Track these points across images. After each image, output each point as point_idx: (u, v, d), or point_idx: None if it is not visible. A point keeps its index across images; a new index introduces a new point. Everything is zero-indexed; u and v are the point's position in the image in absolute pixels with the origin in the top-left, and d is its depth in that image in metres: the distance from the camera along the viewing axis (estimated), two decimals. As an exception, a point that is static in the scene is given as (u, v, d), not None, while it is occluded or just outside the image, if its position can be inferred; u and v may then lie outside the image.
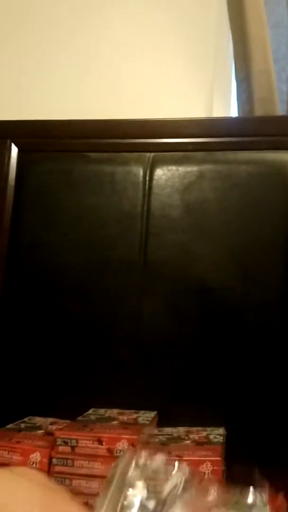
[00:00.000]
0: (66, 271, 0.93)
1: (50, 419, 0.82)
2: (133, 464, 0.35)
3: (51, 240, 0.94)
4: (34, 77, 1.27)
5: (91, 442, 0.66)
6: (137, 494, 0.33)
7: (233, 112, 1.38)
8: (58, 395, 0.90)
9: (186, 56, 1.30)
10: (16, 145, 0.98)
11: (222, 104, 1.39)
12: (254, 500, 0.36)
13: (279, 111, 1.30)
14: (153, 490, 0.34)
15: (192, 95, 1.30)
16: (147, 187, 0.92)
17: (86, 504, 0.62)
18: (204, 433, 0.75)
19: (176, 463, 0.35)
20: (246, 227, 0.88)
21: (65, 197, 0.95)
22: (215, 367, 0.86)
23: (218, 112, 1.32)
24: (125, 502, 0.32)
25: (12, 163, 0.97)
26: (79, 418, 0.78)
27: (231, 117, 1.37)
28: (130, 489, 0.33)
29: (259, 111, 1.24)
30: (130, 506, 0.32)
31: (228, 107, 1.46)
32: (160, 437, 0.74)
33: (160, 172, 0.93)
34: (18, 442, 0.69)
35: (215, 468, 0.63)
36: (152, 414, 0.81)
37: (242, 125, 0.96)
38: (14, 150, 0.98)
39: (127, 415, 0.80)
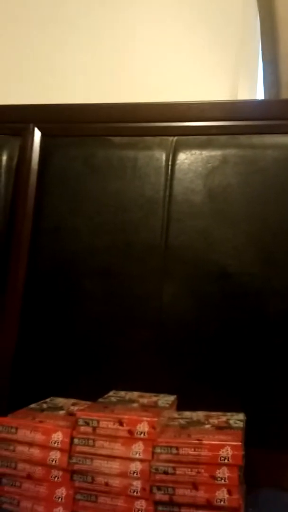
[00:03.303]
0: (90, 254, 0.93)
1: (72, 400, 0.83)
2: None
3: (75, 224, 0.95)
4: (59, 62, 1.27)
5: (112, 423, 0.67)
6: None
7: (259, 95, 1.36)
8: (79, 376, 0.91)
9: (211, 37, 1.28)
10: (39, 129, 0.99)
11: (247, 87, 1.36)
12: None
13: (307, 94, 1.27)
14: None
15: (217, 78, 1.28)
16: (169, 171, 0.92)
17: (106, 484, 0.64)
18: (224, 418, 0.75)
19: None
20: (269, 213, 0.87)
21: (89, 182, 0.96)
22: (235, 351, 0.86)
23: (243, 95, 1.30)
24: None
25: (35, 148, 0.98)
26: (100, 399, 0.79)
27: (255, 100, 1.34)
28: None
29: (286, 95, 1.22)
30: None
31: (254, 90, 1.43)
32: (180, 420, 0.75)
33: (183, 156, 0.92)
34: (40, 421, 0.70)
35: (235, 453, 0.63)
36: (172, 397, 0.81)
37: (267, 108, 0.94)
38: (37, 134, 0.99)
39: (147, 398, 0.80)
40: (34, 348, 0.94)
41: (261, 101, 1.16)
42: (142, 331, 0.89)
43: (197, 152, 0.91)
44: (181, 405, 0.81)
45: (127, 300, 0.91)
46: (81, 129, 0.98)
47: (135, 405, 0.76)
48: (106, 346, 0.91)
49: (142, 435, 0.65)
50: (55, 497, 0.67)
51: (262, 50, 1.32)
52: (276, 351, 0.84)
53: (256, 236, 0.87)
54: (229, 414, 0.78)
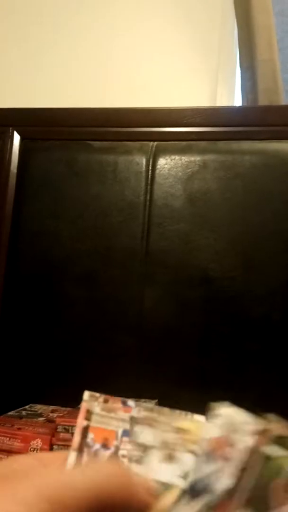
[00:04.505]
0: (70, 258, 0.93)
1: (51, 407, 0.83)
2: None
3: (56, 228, 0.94)
4: (38, 66, 1.26)
5: (92, 429, 0.66)
6: None
7: (237, 102, 1.37)
8: (59, 383, 0.90)
9: (190, 45, 1.29)
10: (18, 133, 0.98)
11: (226, 93, 1.38)
12: None
13: (284, 101, 1.29)
14: None
15: (196, 84, 1.29)
16: (149, 176, 0.92)
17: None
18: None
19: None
20: (249, 217, 0.88)
21: (69, 186, 0.95)
22: (217, 355, 0.86)
23: (222, 101, 1.31)
24: None
25: (14, 151, 0.97)
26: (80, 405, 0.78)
27: (235, 106, 1.36)
28: None
29: (263, 101, 1.23)
30: None
31: (233, 97, 1.44)
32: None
33: (163, 162, 0.92)
34: (19, 428, 0.70)
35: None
36: (153, 402, 0.81)
37: (246, 115, 0.96)
38: (17, 138, 0.98)
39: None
40: (13, 354, 0.93)
41: (240, 107, 1.17)
42: (123, 336, 0.89)
43: (177, 157, 0.92)
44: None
45: (108, 305, 0.90)
46: (61, 133, 0.98)
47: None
48: (86, 352, 0.90)
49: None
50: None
51: (240, 57, 1.33)
52: (257, 354, 0.85)
53: (237, 240, 0.87)
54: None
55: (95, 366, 0.89)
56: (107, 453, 0.31)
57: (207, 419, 0.31)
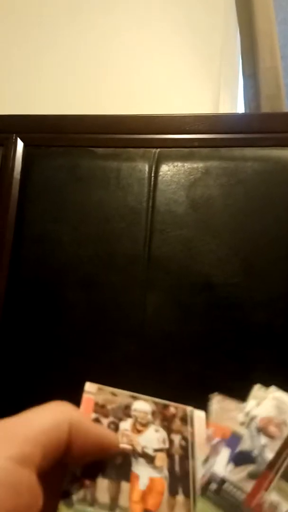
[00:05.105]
0: (72, 264, 0.93)
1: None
2: None
3: (58, 234, 0.94)
4: (39, 72, 1.27)
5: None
6: None
7: (240, 109, 1.38)
8: (61, 389, 0.90)
9: (193, 52, 1.30)
10: (22, 139, 0.99)
11: (229, 100, 1.39)
12: None
13: (286, 108, 1.29)
14: None
15: (199, 91, 1.30)
16: (152, 183, 0.92)
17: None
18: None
19: None
20: (251, 224, 0.88)
21: (72, 192, 0.96)
22: (219, 362, 0.86)
23: (225, 108, 1.32)
24: None
25: (17, 158, 0.98)
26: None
27: (237, 113, 1.36)
28: None
29: (265, 108, 1.24)
30: None
31: (235, 104, 1.45)
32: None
33: (165, 168, 0.93)
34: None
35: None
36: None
37: (248, 122, 0.96)
38: (20, 144, 0.99)
39: (130, 410, 0.80)
40: (14, 358, 0.93)
41: (243, 114, 1.17)
42: (125, 342, 0.89)
43: (180, 164, 0.92)
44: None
45: (110, 311, 0.90)
46: (65, 139, 0.99)
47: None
48: (88, 357, 0.90)
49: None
50: None
51: (242, 64, 1.34)
52: (260, 361, 0.85)
53: (239, 246, 0.88)
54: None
55: (96, 372, 0.89)
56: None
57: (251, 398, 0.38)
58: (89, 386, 0.36)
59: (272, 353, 0.85)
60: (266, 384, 0.41)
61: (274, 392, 0.38)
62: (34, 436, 0.29)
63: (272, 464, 0.32)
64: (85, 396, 0.36)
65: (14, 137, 0.99)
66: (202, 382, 0.86)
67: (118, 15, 1.29)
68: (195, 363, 0.87)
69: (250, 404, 0.38)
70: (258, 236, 0.87)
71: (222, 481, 0.33)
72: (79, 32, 1.28)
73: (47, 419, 0.32)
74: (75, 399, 0.87)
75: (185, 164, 0.92)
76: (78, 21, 1.28)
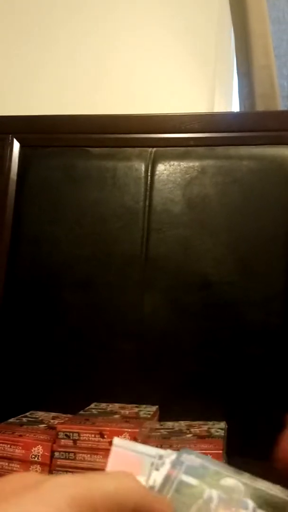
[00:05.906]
0: (69, 264, 0.93)
1: (52, 414, 0.82)
2: None
3: (55, 234, 0.94)
4: (36, 73, 1.27)
5: (93, 435, 0.66)
6: None
7: (235, 107, 1.38)
8: (60, 390, 0.90)
9: (188, 52, 1.30)
10: (18, 140, 0.98)
11: (223, 99, 1.39)
12: None
13: (280, 106, 1.29)
14: None
15: (194, 91, 1.30)
16: (148, 182, 0.93)
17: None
18: (205, 427, 0.75)
19: None
20: (247, 222, 0.88)
21: (68, 192, 0.96)
22: (216, 361, 0.86)
23: (219, 107, 1.32)
24: None
25: (14, 158, 0.98)
26: (81, 412, 0.78)
27: (232, 112, 1.37)
28: None
29: (260, 107, 1.24)
30: None
31: (230, 102, 1.45)
32: (162, 431, 0.75)
33: (162, 168, 0.93)
34: (20, 435, 0.69)
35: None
36: (154, 408, 0.81)
37: (243, 120, 0.96)
38: (16, 145, 0.98)
39: (129, 409, 0.80)
40: (12, 360, 0.93)
41: (238, 113, 1.18)
42: (123, 342, 0.89)
43: (176, 163, 0.92)
44: (163, 416, 0.81)
45: (107, 311, 0.91)
46: (61, 140, 0.99)
47: (116, 416, 0.76)
48: (86, 358, 0.90)
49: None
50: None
51: (237, 63, 1.34)
52: (256, 360, 0.85)
53: (235, 245, 0.88)
54: (210, 423, 0.78)
55: (95, 373, 0.89)
56: None
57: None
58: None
59: (268, 352, 0.85)
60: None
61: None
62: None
63: None
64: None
65: (10, 138, 0.98)
66: (199, 380, 0.87)
67: (114, 16, 1.29)
68: (192, 362, 0.87)
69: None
70: (254, 235, 0.87)
71: None
72: (76, 33, 1.28)
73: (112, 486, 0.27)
74: (74, 400, 0.88)
75: (181, 163, 0.92)
76: (75, 23, 1.28)
